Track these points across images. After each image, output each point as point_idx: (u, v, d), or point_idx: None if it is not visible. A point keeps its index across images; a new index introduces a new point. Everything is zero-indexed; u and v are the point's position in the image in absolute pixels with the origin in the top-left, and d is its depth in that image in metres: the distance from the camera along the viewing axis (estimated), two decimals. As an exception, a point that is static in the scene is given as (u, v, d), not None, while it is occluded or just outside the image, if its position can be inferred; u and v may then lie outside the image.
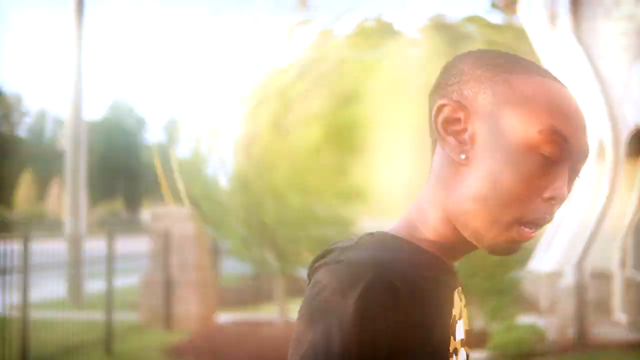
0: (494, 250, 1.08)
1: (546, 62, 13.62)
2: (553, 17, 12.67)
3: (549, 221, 1.06)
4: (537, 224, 1.06)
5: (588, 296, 10.28)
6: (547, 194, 1.03)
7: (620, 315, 12.46)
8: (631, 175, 13.20)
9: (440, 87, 1.09)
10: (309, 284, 1.07)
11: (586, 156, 1.08)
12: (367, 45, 8.48)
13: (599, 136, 10.39)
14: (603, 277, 13.20)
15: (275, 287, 9.32)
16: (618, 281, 12.85)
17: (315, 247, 8.15)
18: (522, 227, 1.05)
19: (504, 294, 10.23)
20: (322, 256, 1.09)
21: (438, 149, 1.09)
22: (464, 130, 1.04)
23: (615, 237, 13.27)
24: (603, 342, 10.26)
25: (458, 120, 1.05)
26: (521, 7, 17.72)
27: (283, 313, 9.23)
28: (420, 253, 1.11)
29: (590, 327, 10.34)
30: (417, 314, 1.07)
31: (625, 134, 10.44)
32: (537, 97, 1.02)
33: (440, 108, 1.05)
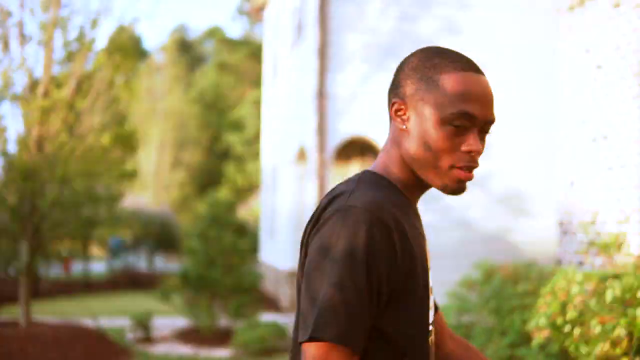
0: (445, 189, 1.63)
1: (270, 74, 14.16)
2: (300, 27, 13.05)
3: (475, 166, 1.61)
4: (467, 167, 1.62)
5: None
6: (464, 148, 1.61)
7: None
8: (343, 177, 13.91)
9: (394, 86, 1.68)
10: (323, 226, 1.50)
11: (493, 121, 1.64)
12: (126, 67, 9.35)
13: (307, 142, 10.84)
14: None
15: (20, 287, 8.84)
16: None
17: (82, 227, 10.37)
18: (459, 170, 1.62)
19: (246, 293, 10.37)
20: (331, 202, 1.56)
21: (392, 123, 1.67)
22: (404, 114, 1.64)
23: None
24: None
25: (401, 109, 1.65)
26: (267, 15, 18.11)
27: (27, 314, 8.75)
28: (399, 194, 1.67)
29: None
30: (407, 259, 1.53)
31: (336, 141, 10.95)
32: (453, 89, 1.57)
33: (392, 104, 1.66)
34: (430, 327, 1.65)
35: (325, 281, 1.46)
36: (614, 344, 3.93)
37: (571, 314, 4.18)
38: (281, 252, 14.78)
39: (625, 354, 3.95)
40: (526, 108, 11.40)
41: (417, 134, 1.60)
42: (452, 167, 1.60)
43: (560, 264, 6.68)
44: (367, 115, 11.14)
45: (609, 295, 4.08)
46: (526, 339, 5.37)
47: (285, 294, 13.64)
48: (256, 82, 24.99)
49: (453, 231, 11.16)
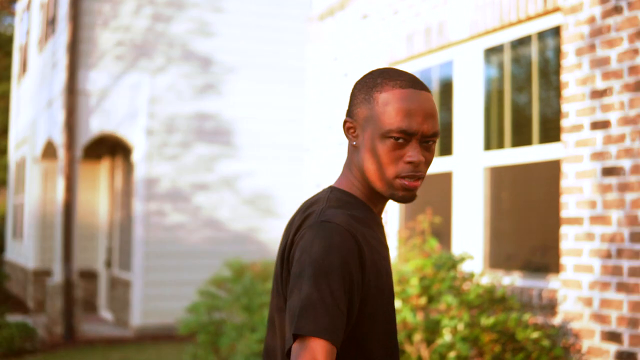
0: (393, 197, 1.79)
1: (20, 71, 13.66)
2: (52, 22, 12.61)
3: (419, 175, 1.77)
4: (411, 176, 1.78)
5: (76, 294, 10.41)
6: (406, 159, 1.76)
7: (105, 312, 12.82)
8: (93, 176, 13.71)
9: (348, 107, 1.84)
10: (300, 240, 1.69)
11: (432, 133, 1.78)
12: None
13: (56, 139, 10.60)
14: (90, 275, 13.46)
15: None
16: (103, 280, 13.22)
17: None
18: (402, 180, 1.78)
19: None
20: (304, 220, 1.76)
21: (346, 138, 1.84)
22: (354, 132, 1.82)
23: (99, 237, 13.63)
24: (90, 338, 10.50)
25: (352, 127, 1.83)
26: (19, 7, 17.29)
27: None
28: (364, 208, 1.84)
29: (79, 324, 10.48)
30: (373, 267, 1.72)
31: (86, 138, 10.79)
32: (391, 106, 1.74)
33: (344, 123, 1.83)
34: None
35: (305, 285, 1.62)
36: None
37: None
38: (27, 250, 14.20)
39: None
40: (276, 112, 11.78)
41: (365, 149, 1.78)
42: (396, 177, 1.77)
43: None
44: (118, 112, 11.00)
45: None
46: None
47: (33, 293, 13.13)
48: (5, 76, 23.76)
49: (203, 231, 11.30)
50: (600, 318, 4.54)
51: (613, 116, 4.52)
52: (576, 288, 4.71)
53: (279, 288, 1.79)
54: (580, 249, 4.71)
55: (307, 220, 1.76)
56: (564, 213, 4.83)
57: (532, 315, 4.56)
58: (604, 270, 4.53)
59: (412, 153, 1.76)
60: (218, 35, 11.56)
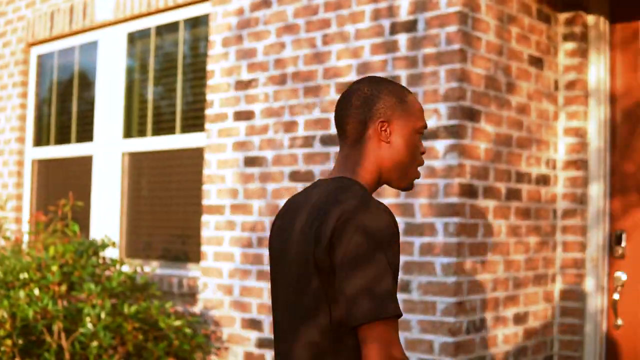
0: (404, 188, 2.04)
1: None
2: None
3: (423, 162, 2.07)
4: (421, 165, 2.08)
5: None
6: (421, 150, 2.05)
7: None
8: None
9: (371, 110, 2.00)
10: (352, 224, 1.77)
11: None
12: None
13: None
14: None
15: None
16: None
17: None
18: (417, 169, 2.06)
19: None
20: (336, 207, 1.83)
21: (372, 137, 1.99)
22: (387, 130, 1.98)
23: None
24: None
25: (385, 126, 1.99)
26: None
27: None
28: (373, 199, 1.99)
29: None
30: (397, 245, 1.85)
31: None
32: (413, 108, 2.02)
33: (381, 123, 1.98)
34: None
35: (373, 267, 1.73)
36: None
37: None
38: None
39: (9, 335, 3.90)
40: None
41: (399, 144, 1.99)
42: (416, 167, 2.06)
43: None
44: None
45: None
46: None
47: None
48: None
49: None
50: (240, 306, 4.61)
51: (257, 107, 4.63)
52: (216, 276, 4.74)
53: (307, 286, 1.83)
54: (221, 237, 4.75)
55: (343, 206, 1.83)
56: (206, 201, 4.84)
57: (173, 304, 4.50)
58: (245, 259, 4.62)
59: (423, 146, 2.19)
60: None
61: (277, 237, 1.95)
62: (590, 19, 4.49)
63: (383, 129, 1.99)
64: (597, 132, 4.43)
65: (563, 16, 4.53)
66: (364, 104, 2.00)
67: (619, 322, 4.20)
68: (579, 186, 4.41)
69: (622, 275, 4.28)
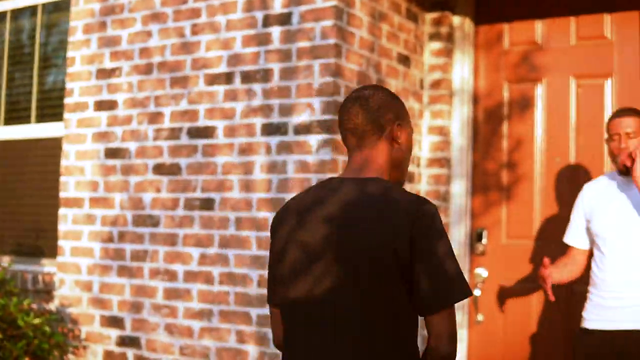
0: (403, 181, 2.22)
1: None
2: None
3: None
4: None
5: None
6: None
7: None
8: None
9: (390, 114, 2.15)
10: (431, 219, 1.96)
11: None
12: None
13: None
14: None
15: None
16: None
17: None
18: None
19: None
20: (409, 204, 1.97)
21: (387, 139, 2.14)
22: (399, 133, 2.15)
23: None
24: None
25: (397, 131, 2.15)
26: None
27: None
28: None
29: None
30: None
31: None
32: (406, 111, 2.20)
33: (395, 128, 2.14)
34: None
35: (450, 257, 1.93)
36: None
37: None
38: None
39: None
40: None
41: (406, 144, 2.18)
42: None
43: None
44: None
45: None
46: None
47: None
48: None
49: None
50: (100, 303, 4.42)
51: (120, 97, 4.46)
52: (74, 272, 4.53)
53: (379, 280, 1.91)
54: (79, 232, 4.54)
55: (412, 202, 1.98)
56: (63, 194, 4.62)
57: (30, 301, 4.26)
58: (105, 254, 4.43)
59: None
60: None
61: (300, 239, 2.01)
62: (456, 19, 4.60)
63: (398, 131, 2.15)
64: (460, 131, 4.54)
65: (430, 16, 4.62)
66: (380, 108, 2.15)
67: (480, 318, 4.32)
68: (442, 184, 4.50)
69: (482, 272, 4.41)
